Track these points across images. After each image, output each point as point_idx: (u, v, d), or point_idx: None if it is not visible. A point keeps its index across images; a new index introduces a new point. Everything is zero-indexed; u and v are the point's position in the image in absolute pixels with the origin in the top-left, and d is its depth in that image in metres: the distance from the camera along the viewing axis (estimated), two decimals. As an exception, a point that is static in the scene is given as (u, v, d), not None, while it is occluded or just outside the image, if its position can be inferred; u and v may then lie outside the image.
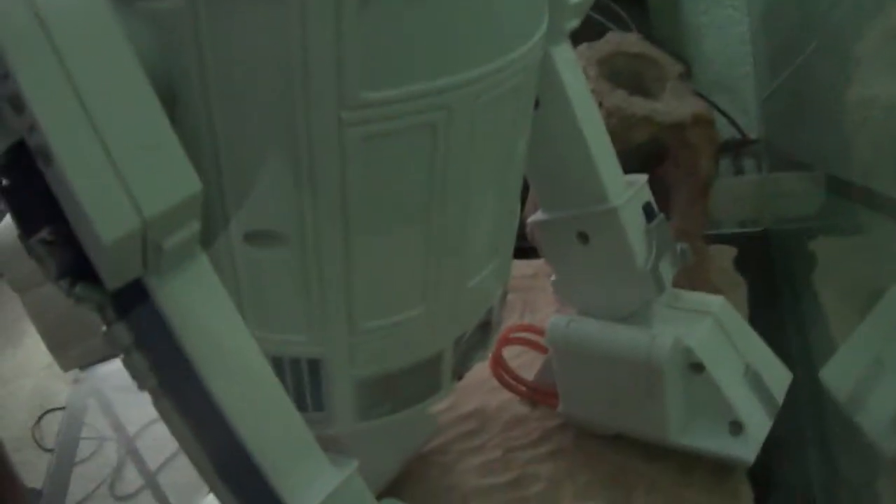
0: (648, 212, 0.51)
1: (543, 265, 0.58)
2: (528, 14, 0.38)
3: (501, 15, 0.35)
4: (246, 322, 0.34)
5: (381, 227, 0.36)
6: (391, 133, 0.33)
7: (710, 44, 1.20)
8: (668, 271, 0.52)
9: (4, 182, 0.29)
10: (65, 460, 0.76)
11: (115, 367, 0.74)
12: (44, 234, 0.29)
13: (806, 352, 0.69)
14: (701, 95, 0.92)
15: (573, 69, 0.47)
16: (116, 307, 0.32)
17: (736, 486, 0.52)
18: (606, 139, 0.49)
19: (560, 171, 0.49)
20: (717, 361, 0.51)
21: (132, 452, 0.75)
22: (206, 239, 0.33)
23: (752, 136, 1.05)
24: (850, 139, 0.74)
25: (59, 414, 0.92)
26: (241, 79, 0.32)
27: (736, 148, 1.01)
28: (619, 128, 0.60)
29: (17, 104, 0.27)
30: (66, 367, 1.18)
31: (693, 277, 0.62)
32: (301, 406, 0.40)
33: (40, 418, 1.10)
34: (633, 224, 0.49)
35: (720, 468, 0.52)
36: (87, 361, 0.89)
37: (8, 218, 0.30)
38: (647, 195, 0.51)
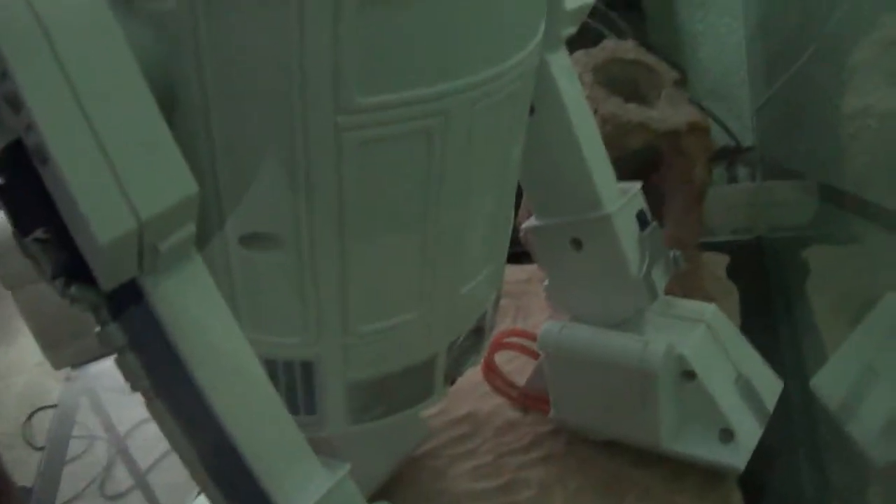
0: (642, 219, 0.51)
1: (537, 270, 0.58)
2: (526, 21, 0.38)
3: (499, 22, 0.35)
4: (240, 324, 0.34)
5: (376, 231, 0.36)
6: (387, 138, 0.33)
7: (706, 51, 1.20)
8: (660, 279, 0.52)
9: (0, 180, 0.29)
10: (55, 458, 0.76)
11: (107, 366, 0.74)
12: (39, 233, 0.29)
13: (798, 360, 0.69)
14: (696, 103, 0.93)
15: (569, 76, 0.47)
16: (111, 307, 0.32)
17: (727, 494, 0.52)
18: (601, 146, 0.49)
19: (554, 177, 0.49)
20: (709, 369, 0.51)
21: (123, 452, 0.75)
22: (202, 240, 0.33)
23: (747, 144, 1.05)
24: (844, 148, 0.75)
25: (50, 412, 0.92)
26: (238, 81, 0.32)
27: (730, 156, 1.01)
28: (615, 134, 0.60)
29: (15, 103, 0.27)
30: (57, 366, 1.18)
31: (686, 285, 0.62)
32: (293, 409, 0.40)
33: (31, 416, 1.10)
34: (627, 231, 0.50)
35: (712, 475, 0.52)
36: (80, 360, 0.89)
37: (1, 215, 0.30)
38: (641, 203, 0.51)
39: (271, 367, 0.39)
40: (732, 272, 0.77)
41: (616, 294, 0.51)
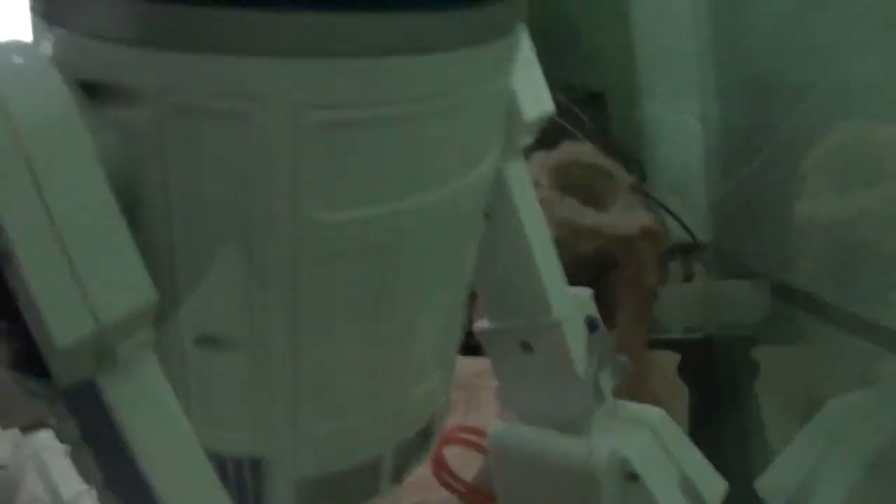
0: (591, 325, 0.52)
1: (489, 363, 0.59)
2: (485, 139, 0.39)
3: (457, 142, 0.36)
4: (193, 419, 0.34)
5: (328, 336, 0.37)
6: (343, 252, 0.34)
7: (666, 147, 1.23)
8: (608, 382, 0.53)
9: None
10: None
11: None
12: None
13: (745, 460, 0.70)
14: (653, 198, 0.95)
15: (524, 185, 0.49)
16: (67, 403, 0.32)
17: None
18: (553, 253, 0.51)
19: (506, 281, 0.51)
20: (653, 471, 0.52)
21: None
22: (159, 338, 0.34)
23: (703, 239, 1.07)
24: (796, 248, 0.76)
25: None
26: (200, 192, 0.33)
27: (685, 252, 1.03)
28: (568, 238, 0.61)
29: None
30: (4, 426, 1.16)
31: (634, 387, 0.63)
32: (242, 504, 0.41)
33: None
34: (576, 337, 0.51)
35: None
36: (29, 426, 0.88)
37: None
38: (591, 308, 0.53)
39: (221, 463, 0.40)
40: (683, 371, 0.78)
41: (563, 397, 0.52)
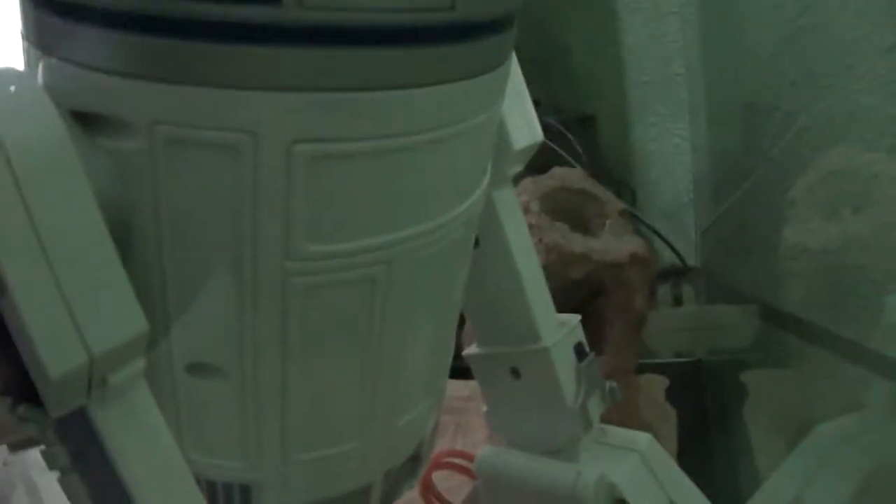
0: (580, 352, 0.52)
1: (478, 387, 0.59)
2: (475, 169, 0.39)
3: (449, 174, 0.36)
4: (183, 445, 0.35)
5: (317, 365, 0.37)
6: (333, 283, 0.35)
7: (656, 171, 1.23)
8: (596, 408, 0.53)
9: None
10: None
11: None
12: None
13: (733, 485, 0.71)
14: (643, 221, 0.95)
15: (514, 213, 0.49)
16: (57, 430, 0.32)
17: None
18: (542, 280, 0.51)
19: (495, 308, 0.51)
20: (642, 497, 0.52)
21: (55, 538, 0.74)
22: (150, 365, 0.34)
23: (693, 263, 1.07)
24: (786, 272, 0.77)
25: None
26: (192, 221, 0.33)
27: (675, 276, 1.03)
28: (557, 264, 0.62)
29: None
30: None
31: (623, 411, 0.64)
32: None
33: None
34: (564, 363, 0.51)
35: None
36: (19, 445, 0.88)
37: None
38: (580, 335, 0.53)
39: (212, 488, 0.40)
40: (672, 395, 0.78)
41: (552, 423, 0.52)
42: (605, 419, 0.56)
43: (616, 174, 1.07)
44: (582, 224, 0.67)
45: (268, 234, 0.33)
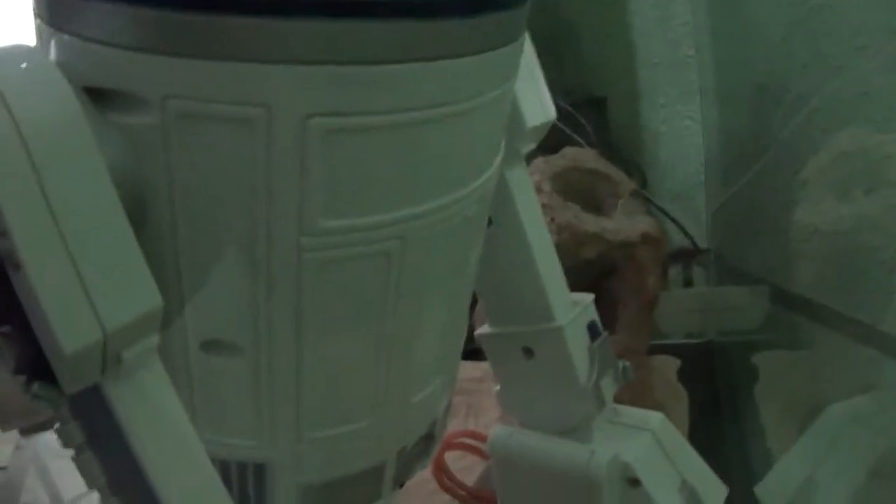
0: (593, 330, 0.52)
1: (490, 368, 0.59)
2: (489, 146, 0.39)
3: (461, 150, 0.36)
4: (197, 424, 0.34)
5: (331, 341, 0.37)
6: (347, 258, 0.35)
7: (666, 153, 1.23)
8: (609, 388, 0.53)
9: None
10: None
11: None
12: (4, 328, 0.30)
13: (744, 465, 0.70)
14: (654, 203, 0.95)
15: (526, 191, 0.49)
16: (71, 407, 0.32)
17: None
18: (555, 259, 0.51)
19: (508, 287, 0.51)
20: (654, 476, 0.52)
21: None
22: (165, 343, 0.34)
23: (704, 245, 1.07)
24: (796, 254, 0.76)
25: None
26: (206, 197, 0.33)
27: (686, 257, 1.03)
28: (570, 243, 0.62)
29: None
30: (4, 429, 1.16)
31: (635, 392, 0.64)
32: (245, 510, 0.41)
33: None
34: (577, 342, 0.51)
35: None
36: (30, 430, 0.88)
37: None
38: (593, 314, 0.53)
39: (225, 468, 0.40)
40: (683, 375, 0.78)
41: (565, 402, 0.52)
42: (618, 399, 0.55)
43: (626, 156, 1.07)
44: (594, 204, 0.67)
45: (282, 209, 0.32)
